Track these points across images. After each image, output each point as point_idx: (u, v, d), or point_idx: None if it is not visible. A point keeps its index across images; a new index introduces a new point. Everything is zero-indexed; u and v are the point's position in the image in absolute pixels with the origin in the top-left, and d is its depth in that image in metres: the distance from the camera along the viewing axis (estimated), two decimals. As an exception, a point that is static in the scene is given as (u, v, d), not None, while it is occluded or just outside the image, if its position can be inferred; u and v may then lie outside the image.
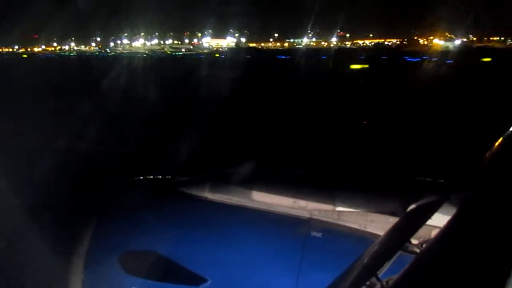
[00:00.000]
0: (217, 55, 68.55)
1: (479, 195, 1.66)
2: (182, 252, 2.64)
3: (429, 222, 1.91)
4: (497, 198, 1.53)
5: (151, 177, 3.41)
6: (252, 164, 3.04)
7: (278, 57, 60.07)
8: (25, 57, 76.97)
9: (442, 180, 2.74)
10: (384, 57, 52.28)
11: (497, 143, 1.90)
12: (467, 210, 1.58)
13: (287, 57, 57.46)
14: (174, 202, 2.98)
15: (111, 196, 3.25)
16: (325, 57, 52.13)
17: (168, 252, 2.62)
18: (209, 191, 2.94)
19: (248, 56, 56.15)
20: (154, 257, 2.60)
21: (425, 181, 2.93)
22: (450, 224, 1.55)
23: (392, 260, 1.65)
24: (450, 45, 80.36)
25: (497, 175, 1.75)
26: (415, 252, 1.68)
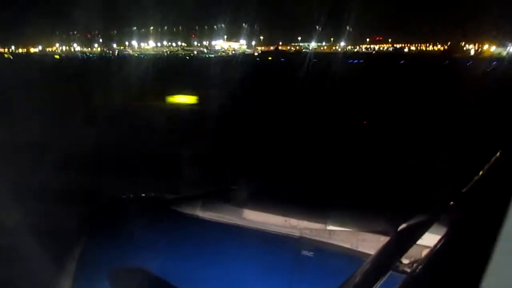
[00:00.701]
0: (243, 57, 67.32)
1: (469, 216, 1.67)
2: (172, 270, 2.61)
3: (419, 241, 1.92)
4: (488, 219, 1.54)
5: (142, 194, 3.39)
6: (243, 182, 3.04)
7: (348, 62, 54.73)
8: (58, 58, 74.54)
9: (433, 200, 2.76)
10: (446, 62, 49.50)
11: (488, 164, 1.93)
12: (457, 230, 1.59)
13: (359, 61, 53.03)
14: (164, 219, 2.96)
15: (100, 212, 3.22)
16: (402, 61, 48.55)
17: (158, 270, 2.59)
18: (200, 209, 2.93)
19: (282, 60, 53.59)
20: (144, 274, 2.57)
21: (416, 200, 2.94)
22: (440, 244, 1.56)
23: (383, 280, 1.64)
24: (503, 51, 75.50)
25: (488, 195, 1.77)
26: (405, 272, 1.68)
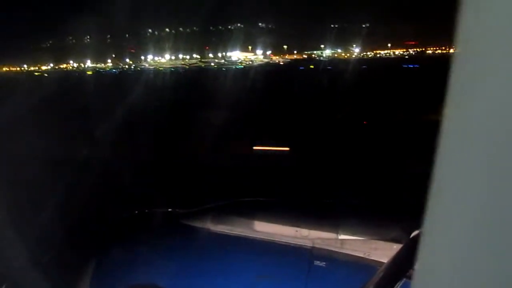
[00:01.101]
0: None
1: None
2: (185, 284, 2.61)
3: None
4: None
5: (154, 209, 3.40)
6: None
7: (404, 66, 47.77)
8: (90, 74, 68.27)
9: None
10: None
11: None
12: None
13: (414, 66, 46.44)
14: (176, 234, 2.97)
15: (113, 228, 3.23)
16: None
17: (171, 285, 2.59)
18: (211, 223, 2.94)
19: (329, 68, 48.53)
20: None
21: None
22: None
23: None
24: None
25: None
26: None
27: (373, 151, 9.22)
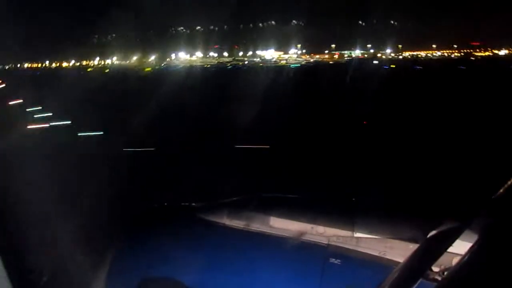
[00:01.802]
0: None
1: (501, 222, 1.63)
2: (202, 279, 2.64)
3: (450, 249, 1.88)
4: None
5: (171, 203, 3.44)
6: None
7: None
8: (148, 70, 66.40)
9: (463, 206, 2.70)
10: None
11: None
12: (489, 237, 1.56)
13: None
14: (192, 228, 3.00)
15: (131, 223, 3.29)
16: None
17: (187, 279, 2.62)
18: (227, 218, 2.95)
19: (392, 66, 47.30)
20: (173, 284, 2.60)
21: (446, 206, 2.88)
22: (472, 251, 1.52)
23: None
24: None
25: None
26: (436, 280, 1.65)
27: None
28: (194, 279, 2.63)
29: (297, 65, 64.73)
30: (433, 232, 2.21)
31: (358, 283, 2.47)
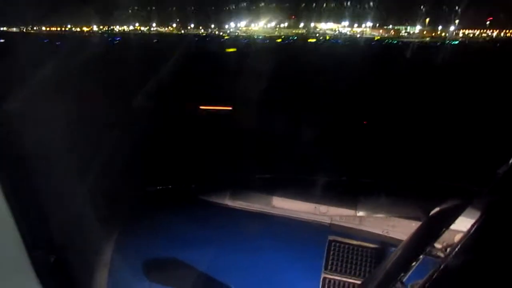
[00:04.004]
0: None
1: (504, 199, 1.63)
2: (205, 260, 2.66)
3: (452, 226, 1.89)
4: None
5: (173, 185, 3.45)
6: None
7: None
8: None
9: (465, 184, 2.70)
10: None
11: None
12: (492, 214, 1.56)
13: None
14: (195, 210, 3.02)
15: (133, 204, 3.30)
16: None
17: (191, 260, 2.64)
18: (230, 198, 2.97)
19: None
20: (178, 265, 2.63)
21: (448, 184, 2.89)
22: (474, 228, 1.53)
23: (416, 265, 1.63)
24: None
25: None
26: (439, 256, 1.66)
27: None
28: (197, 258, 2.65)
29: (455, 42, 59.13)
30: (435, 210, 2.22)
31: (361, 261, 2.49)
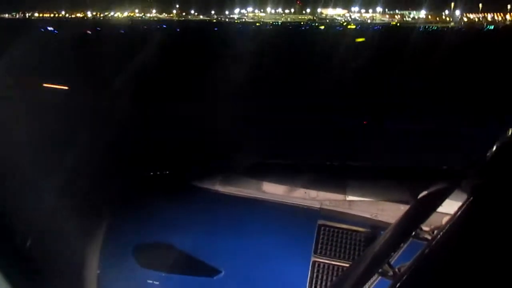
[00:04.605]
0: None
1: (490, 182, 1.66)
2: (195, 245, 2.67)
3: (440, 209, 1.92)
4: (509, 185, 1.53)
5: (164, 171, 3.44)
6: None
7: None
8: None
9: (452, 167, 2.74)
10: None
11: (510, 129, 1.90)
12: (479, 196, 1.59)
13: None
14: (186, 195, 3.02)
15: (125, 190, 3.29)
16: None
17: (182, 245, 2.66)
18: (220, 184, 2.97)
19: None
20: (168, 249, 2.64)
21: (436, 168, 2.92)
22: (461, 210, 1.56)
23: (403, 247, 1.66)
24: None
25: (509, 161, 1.74)
26: (426, 239, 1.69)
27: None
28: (188, 244, 2.66)
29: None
30: (423, 193, 2.25)
31: (350, 245, 2.52)
